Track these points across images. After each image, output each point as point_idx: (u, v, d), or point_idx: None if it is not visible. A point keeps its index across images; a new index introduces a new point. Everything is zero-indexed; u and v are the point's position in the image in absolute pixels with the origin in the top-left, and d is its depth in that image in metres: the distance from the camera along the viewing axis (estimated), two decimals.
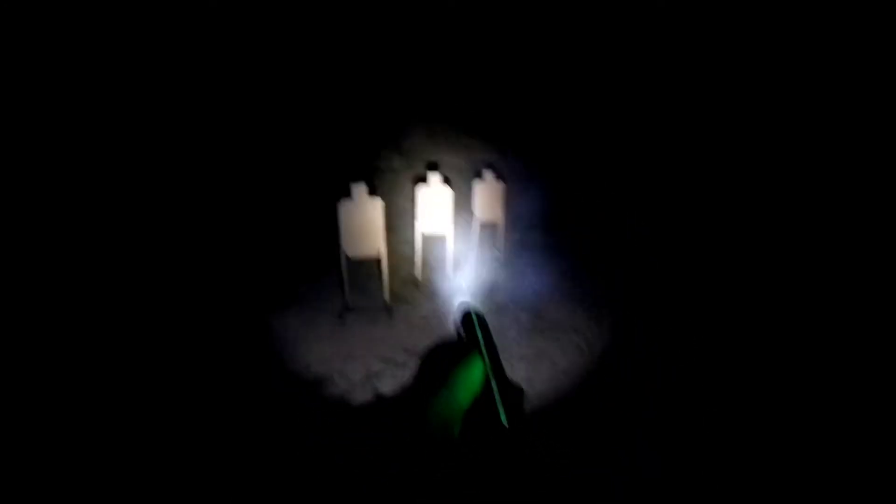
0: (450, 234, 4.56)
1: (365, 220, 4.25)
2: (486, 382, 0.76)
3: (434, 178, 4.44)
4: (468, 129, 5.02)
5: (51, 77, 4.62)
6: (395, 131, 4.90)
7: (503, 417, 0.73)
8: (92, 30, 4.71)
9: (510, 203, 4.73)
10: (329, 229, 4.31)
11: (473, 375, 0.76)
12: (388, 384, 4.13)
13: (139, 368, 3.91)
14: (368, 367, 4.19)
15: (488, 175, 4.60)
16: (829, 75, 4.78)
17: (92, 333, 4.05)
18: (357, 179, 4.19)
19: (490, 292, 4.62)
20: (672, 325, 4.40)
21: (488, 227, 4.75)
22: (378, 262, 4.39)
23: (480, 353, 0.78)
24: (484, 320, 0.83)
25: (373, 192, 4.28)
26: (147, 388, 3.82)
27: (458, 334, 0.84)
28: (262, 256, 4.60)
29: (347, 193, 4.16)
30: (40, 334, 3.98)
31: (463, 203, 4.66)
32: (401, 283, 4.67)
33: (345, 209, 4.20)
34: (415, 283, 4.72)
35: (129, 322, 4.14)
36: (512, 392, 0.75)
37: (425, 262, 4.72)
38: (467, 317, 0.84)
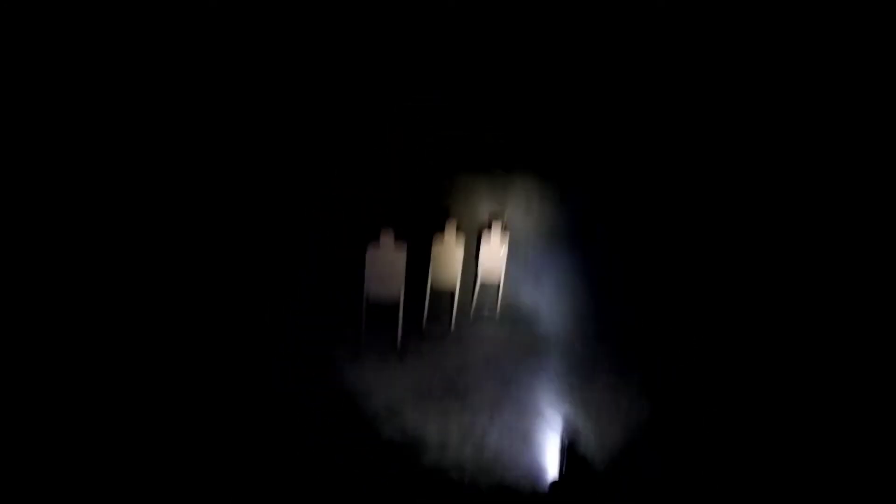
0: (457, 288, 4.80)
1: (389, 265, 4.40)
2: None
3: (449, 231, 4.69)
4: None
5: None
6: (427, 185, 5.14)
7: None
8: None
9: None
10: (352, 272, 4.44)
11: None
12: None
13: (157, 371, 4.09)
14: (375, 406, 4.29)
15: (496, 228, 4.92)
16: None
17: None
18: (386, 226, 4.36)
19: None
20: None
21: (490, 284, 5.02)
22: (396, 306, 4.50)
23: None
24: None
25: (398, 238, 4.45)
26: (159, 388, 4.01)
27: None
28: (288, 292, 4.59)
29: (376, 238, 4.32)
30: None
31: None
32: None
33: (371, 253, 4.33)
34: (420, 332, 4.84)
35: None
36: None
37: (431, 313, 4.87)
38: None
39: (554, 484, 4.29)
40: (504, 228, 4.94)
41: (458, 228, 4.77)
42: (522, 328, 5.01)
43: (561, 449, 4.36)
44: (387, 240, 4.36)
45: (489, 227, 4.96)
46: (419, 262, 4.68)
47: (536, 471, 4.39)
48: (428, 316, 4.85)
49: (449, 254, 4.72)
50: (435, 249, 4.69)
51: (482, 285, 4.93)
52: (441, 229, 4.71)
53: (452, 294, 4.80)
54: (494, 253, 4.93)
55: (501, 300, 4.94)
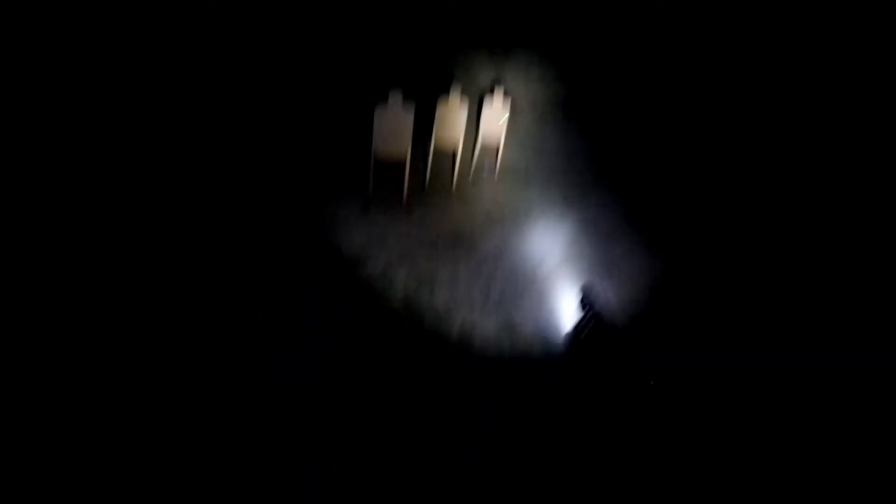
0: (459, 150, 5.14)
1: (396, 125, 4.70)
2: None
3: (454, 94, 4.94)
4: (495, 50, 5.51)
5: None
6: (433, 48, 5.29)
7: None
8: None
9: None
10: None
11: None
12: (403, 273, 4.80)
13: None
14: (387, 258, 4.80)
15: (497, 94, 5.17)
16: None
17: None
18: (395, 87, 4.60)
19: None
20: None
21: (490, 147, 5.35)
22: (403, 164, 4.87)
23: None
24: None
25: (406, 99, 4.71)
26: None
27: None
28: (299, 152, 4.93)
29: (385, 99, 4.58)
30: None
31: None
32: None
33: (380, 113, 4.62)
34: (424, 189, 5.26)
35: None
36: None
37: (433, 172, 5.26)
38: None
39: (569, 336, 4.71)
40: (506, 95, 5.17)
41: (462, 93, 5.01)
42: (520, 190, 5.42)
43: (578, 301, 4.71)
44: (395, 100, 4.62)
45: (491, 92, 5.19)
46: (424, 124, 4.98)
47: (545, 318, 4.97)
48: (430, 175, 5.24)
49: (452, 116, 4.99)
50: (439, 111, 4.96)
51: (483, 148, 5.27)
52: (446, 93, 4.94)
53: (454, 155, 5.15)
54: (496, 118, 5.21)
55: (500, 164, 5.31)
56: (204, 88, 4.92)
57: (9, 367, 3.71)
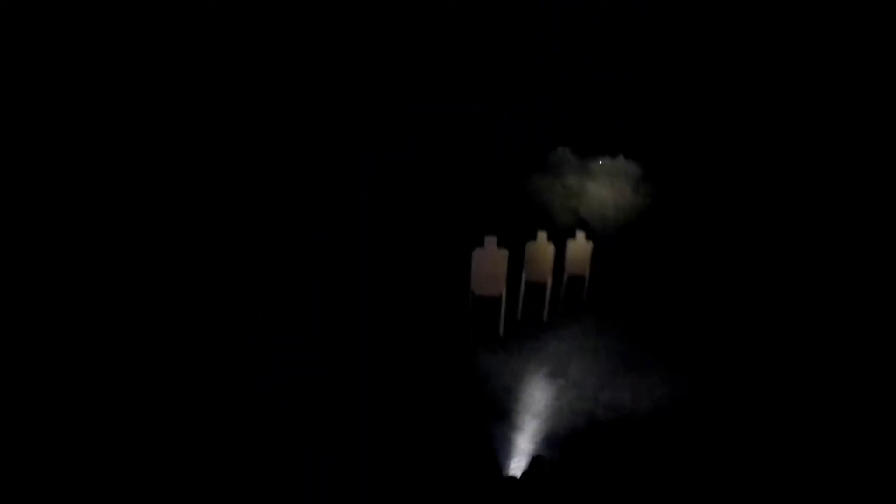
0: (548, 284, 5.64)
1: (492, 266, 5.28)
2: None
3: (541, 237, 5.54)
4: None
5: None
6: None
7: None
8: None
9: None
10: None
11: None
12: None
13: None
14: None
15: (580, 235, 5.73)
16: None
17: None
18: (490, 233, 5.25)
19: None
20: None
21: (576, 280, 5.82)
22: (499, 301, 5.38)
23: None
24: None
25: (500, 243, 5.33)
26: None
27: None
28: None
29: (481, 243, 5.22)
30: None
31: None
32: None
33: (477, 256, 5.24)
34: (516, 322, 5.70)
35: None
36: None
37: (526, 305, 5.73)
38: None
39: None
40: (587, 237, 5.75)
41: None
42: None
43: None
44: (490, 244, 5.25)
45: (574, 235, 5.77)
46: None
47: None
48: (523, 308, 5.72)
49: (541, 253, 5.56)
50: (529, 251, 5.54)
51: (569, 277, 5.75)
52: (533, 237, 5.57)
53: (544, 286, 5.64)
54: (581, 249, 5.73)
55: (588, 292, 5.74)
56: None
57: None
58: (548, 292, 5.67)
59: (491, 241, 5.26)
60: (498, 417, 4.58)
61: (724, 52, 5.94)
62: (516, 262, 5.53)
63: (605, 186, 6.16)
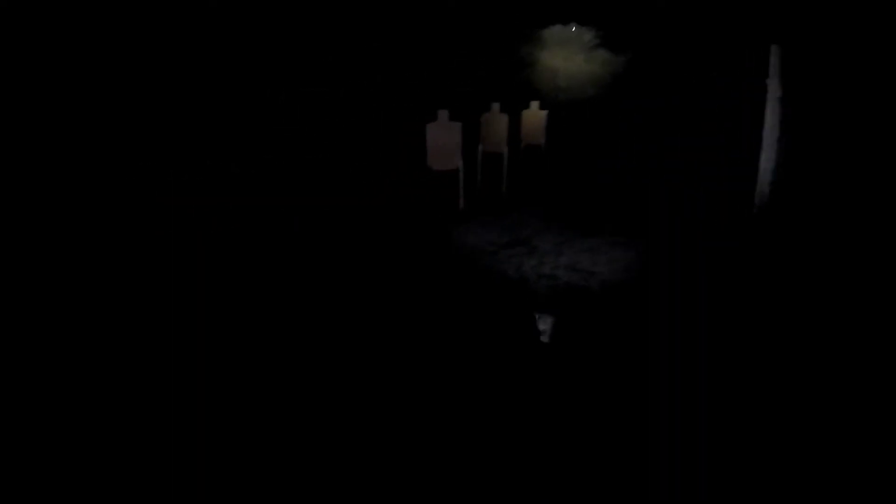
0: (505, 154, 5.81)
1: (447, 139, 5.43)
2: None
3: (494, 108, 5.65)
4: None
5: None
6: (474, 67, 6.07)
7: None
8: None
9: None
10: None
11: None
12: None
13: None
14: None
15: (534, 105, 5.85)
16: None
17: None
18: (442, 106, 5.35)
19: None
20: None
21: (533, 149, 6.01)
22: (456, 174, 5.58)
23: None
24: None
25: (453, 116, 5.44)
26: None
27: None
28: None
29: (434, 117, 5.33)
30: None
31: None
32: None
33: (430, 130, 5.37)
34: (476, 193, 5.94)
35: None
36: None
37: (484, 176, 5.94)
38: None
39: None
40: (540, 107, 5.86)
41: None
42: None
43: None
44: (443, 117, 5.36)
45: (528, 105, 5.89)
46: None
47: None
48: (481, 180, 5.94)
49: (496, 123, 5.70)
50: (483, 122, 5.68)
51: (526, 146, 5.93)
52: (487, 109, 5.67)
53: (501, 156, 5.83)
54: (536, 119, 5.87)
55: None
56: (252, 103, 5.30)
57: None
58: (505, 163, 5.87)
59: (444, 114, 5.36)
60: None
61: None
62: (472, 137, 5.68)
63: (557, 56, 6.19)
